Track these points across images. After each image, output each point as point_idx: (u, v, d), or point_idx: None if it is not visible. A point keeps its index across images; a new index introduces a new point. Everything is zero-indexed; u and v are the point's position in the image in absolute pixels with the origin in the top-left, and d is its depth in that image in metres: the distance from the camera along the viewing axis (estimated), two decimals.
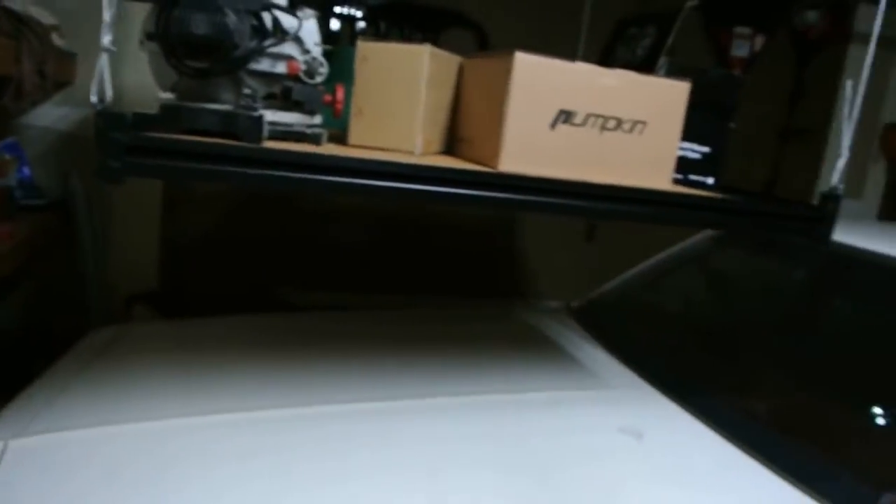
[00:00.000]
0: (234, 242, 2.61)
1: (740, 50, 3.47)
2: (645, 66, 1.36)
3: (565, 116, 1.12)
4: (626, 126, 1.15)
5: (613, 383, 1.68)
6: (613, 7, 1.89)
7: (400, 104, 1.17)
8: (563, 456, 1.33)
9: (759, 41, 3.47)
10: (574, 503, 1.16)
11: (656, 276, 2.25)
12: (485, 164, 1.15)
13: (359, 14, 1.82)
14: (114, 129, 0.95)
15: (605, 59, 1.55)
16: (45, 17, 1.88)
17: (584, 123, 1.13)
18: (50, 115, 2.20)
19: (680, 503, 1.20)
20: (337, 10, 1.76)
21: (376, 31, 2.80)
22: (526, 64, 1.08)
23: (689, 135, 1.36)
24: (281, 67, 1.14)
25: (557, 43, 2.30)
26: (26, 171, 2.03)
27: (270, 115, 1.12)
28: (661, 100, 1.17)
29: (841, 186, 1.29)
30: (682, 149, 1.38)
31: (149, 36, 1.09)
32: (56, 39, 1.92)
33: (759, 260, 2.17)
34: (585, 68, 1.12)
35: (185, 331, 1.97)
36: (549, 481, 1.23)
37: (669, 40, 1.33)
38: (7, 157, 1.79)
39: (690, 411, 1.50)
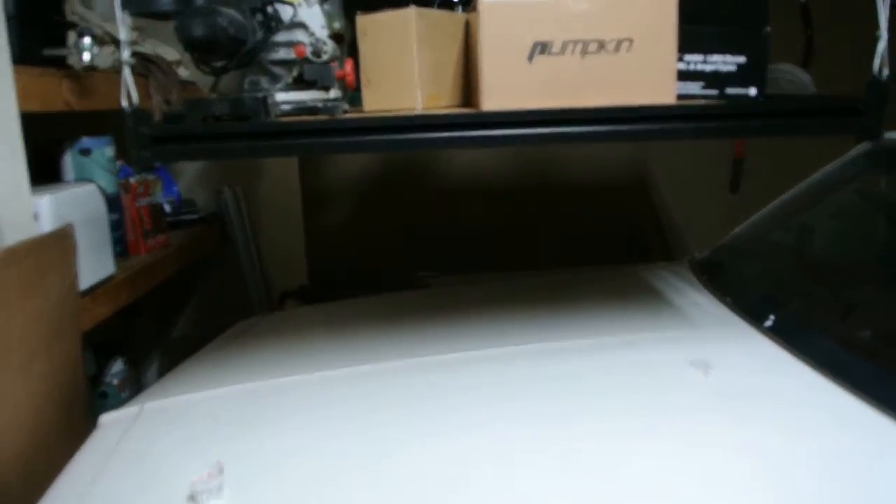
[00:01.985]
0: (371, 232, 2.81)
1: None
2: None
3: (541, 48, 1.15)
4: (610, 46, 1.15)
5: (703, 324, 1.63)
6: None
7: (398, 67, 1.26)
8: (623, 388, 1.34)
9: None
10: (620, 429, 1.18)
11: (781, 217, 2.10)
12: (475, 107, 1.21)
13: None
14: (140, 125, 1.13)
15: None
16: (170, 54, 2.19)
17: (562, 52, 1.15)
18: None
19: (727, 428, 1.16)
20: None
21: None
22: (490, 6, 1.13)
23: (717, 46, 1.32)
24: (292, 53, 1.28)
25: None
26: (174, 189, 2.36)
27: (285, 96, 1.26)
28: (645, 13, 1.16)
29: (886, 71, 1.18)
30: (711, 63, 1.33)
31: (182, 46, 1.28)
32: (181, 71, 2.22)
33: (886, 187, 1.96)
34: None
35: (322, 312, 2.19)
36: (600, 409, 1.25)
37: None
38: (151, 177, 2.10)
39: (781, 345, 1.42)
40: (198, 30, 1.15)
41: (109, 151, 1.94)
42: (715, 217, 2.90)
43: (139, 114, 1.13)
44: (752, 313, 1.58)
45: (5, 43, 1.49)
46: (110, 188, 1.91)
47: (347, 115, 1.18)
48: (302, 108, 1.29)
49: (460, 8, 1.39)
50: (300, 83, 1.35)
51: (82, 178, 1.87)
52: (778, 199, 2.12)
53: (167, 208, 2.26)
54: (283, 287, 2.70)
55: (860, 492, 0.99)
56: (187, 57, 2.31)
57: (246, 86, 1.24)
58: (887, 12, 1.16)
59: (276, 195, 2.65)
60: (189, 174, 2.54)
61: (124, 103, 1.14)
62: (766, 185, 2.77)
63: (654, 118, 1.15)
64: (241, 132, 1.15)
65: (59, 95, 1.67)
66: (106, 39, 1.91)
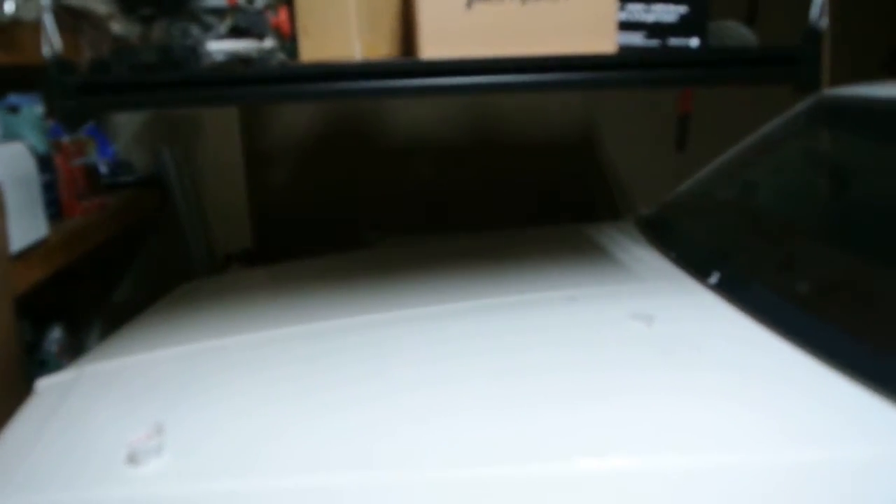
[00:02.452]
0: (316, 192, 2.77)
1: None
2: None
3: None
4: None
5: (647, 277, 1.64)
6: None
7: (335, 15, 1.22)
8: (565, 342, 1.35)
9: None
10: (560, 379, 1.18)
11: (726, 172, 2.13)
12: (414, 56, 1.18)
13: None
14: (64, 73, 1.08)
15: None
16: (100, 8, 2.09)
17: None
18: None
19: (671, 380, 1.17)
20: None
21: None
22: None
23: None
24: (224, 1, 1.23)
25: None
26: (110, 150, 2.29)
27: (216, 45, 1.21)
28: None
29: (824, 21, 1.19)
30: (654, 12, 1.33)
31: None
32: (114, 26, 2.13)
33: (830, 143, 1.99)
34: None
35: (265, 274, 2.16)
36: (544, 364, 1.25)
37: None
38: (84, 137, 2.03)
39: (725, 298, 1.44)
40: None
41: (38, 109, 1.86)
42: (662, 176, 2.92)
43: (63, 62, 1.08)
44: (696, 268, 1.60)
45: None
46: (41, 147, 1.83)
47: (280, 65, 1.15)
48: (236, 58, 1.24)
49: None
50: (235, 32, 1.30)
51: (10, 137, 1.79)
52: (723, 155, 2.14)
53: (103, 170, 2.18)
54: (228, 250, 2.65)
55: (798, 437, 1.01)
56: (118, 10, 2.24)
57: (176, 33, 1.19)
58: None
59: (217, 155, 2.58)
60: (125, 134, 2.46)
61: (46, 50, 1.09)
62: (713, 143, 2.80)
63: (594, 67, 1.14)
64: (170, 81, 1.11)
65: None
66: None
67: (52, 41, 1.09)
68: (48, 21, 1.08)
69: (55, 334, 2.14)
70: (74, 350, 2.24)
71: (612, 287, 1.60)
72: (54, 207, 1.90)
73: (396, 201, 2.80)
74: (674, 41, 1.34)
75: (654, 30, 1.33)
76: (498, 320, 1.46)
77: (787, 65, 1.19)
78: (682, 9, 1.33)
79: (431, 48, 1.13)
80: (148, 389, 1.33)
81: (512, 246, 2.07)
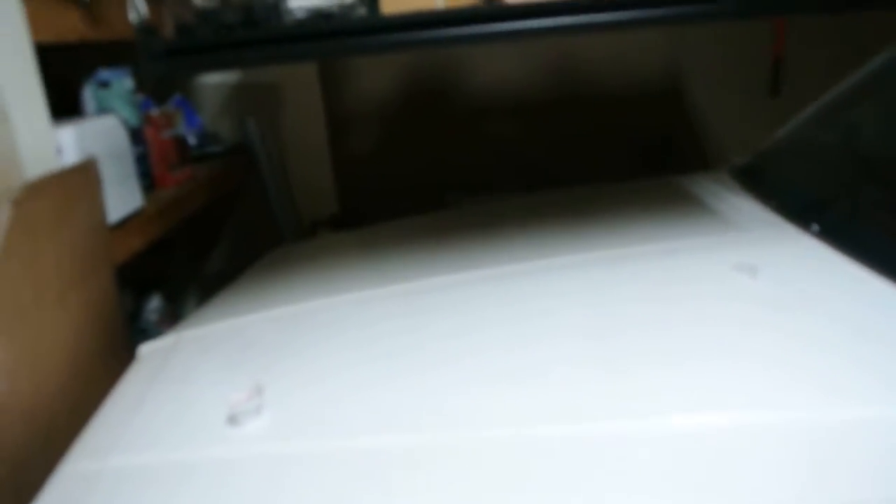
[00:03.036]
0: (398, 156, 2.76)
1: None
2: None
3: None
4: None
5: (747, 227, 1.56)
6: None
7: None
8: (666, 298, 1.29)
9: None
10: (662, 336, 1.14)
11: (826, 115, 2.00)
12: None
13: None
14: (151, 38, 1.09)
15: None
16: None
17: None
18: (217, 72, 2.49)
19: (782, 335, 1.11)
20: None
21: None
22: None
23: None
24: None
25: None
26: (196, 120, 2.33)
27: (297, 2, 1.20)
28: None
29: None
30: None
31: None
32: None
33: None
34: None
35: (351, 238, 2.17)
36: (644, 321, 1.20)
37: None
38: (172, 109, 2.07)
39: (832, 245, 1.35)
40: None
41: (128, 83, 1.90)
42: (753, 123, 2.79)
43: (149, 27, 1.08)
44: (799, 215, 1.51)
45: None
46: (132, 120, 1.88)
47: (359, 18, 1.12)
48: (317, 14, 1.22)
49: None
50: None
51: (103, 111, 1.84)
52: (820, 98, 2.01)
53: (191, 141, 2.23)
54: (314, 216, 2.67)
55: None
56: None
57: None
58: None
59: (300, 123, 2.60)
60: (210, 106, 2.50)
61: (132, 16, 1.09)
62: (807, 89, 2.66)
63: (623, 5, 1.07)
64: (254, 39, 1.10)
65: (72, 25, 1.62)
66: None
67: (138, 8, 1.09)
68: None
69: (154, 303, 2.21)
70: (172, 318, 2.31)
71: (711, 238, 1.53)
72: (147, 179, 1.96)
73: (480, 161, 2.76)
74: None
75: None
76: (593, 276, 1.42)
77: None
78: None
79: None
80: (245, 352, 1.35)
81: (602, 200, 2.00)
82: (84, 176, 1.56)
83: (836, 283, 1.25)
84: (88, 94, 1.85)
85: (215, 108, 2.51)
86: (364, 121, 2.79)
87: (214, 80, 2.50)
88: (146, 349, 1.47)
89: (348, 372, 1.18)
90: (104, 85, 1.85)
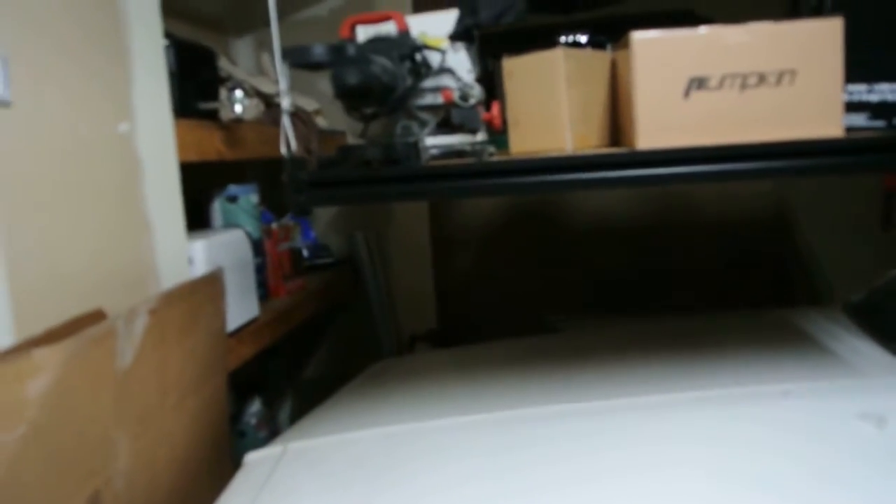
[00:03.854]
0: (499, 276, 2.81)
1: None
2: (818, 11, 1.27)
3: (698, 83, 1.11)
4: (772, 79, 1.10)
5: (868, 371, 1.51)
6: None
7: (546, 107, 1.25)
8: (786, 444, 1.25)
9: None
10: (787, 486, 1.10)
11: None
12: (629, 147, 1.18)
13: (583, 39, 1.90)
14: (298, 170, 1.17)
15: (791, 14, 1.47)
16: (309, 104, 2.28)
17: (720, 86, 1.11)
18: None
19: None
20: (562, 38, 1.85)
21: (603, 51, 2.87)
22: (645, 42, 1.11)
23: (883, 73, 1.25)
24: (440, 98, 1.30)
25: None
26: (311, 234, 2.44)
27: (434, 140, 1.28)
28: (809, 43, 1.10)
29: None
30: (878, 92, 1.26)
31: (334, 95, 1.33)
32: (320, 121, 2.31)
33: None
34: (710, 31, 1.11)
35: (453, 356, 2.19)
36: (762, 470, 1.16)
37: None
38: (292, 223, 2.18)
39: None
40: (352, 78, 1.18)
41: (254, 198, 2.02)
42: (864, 257, 2.72)
43: (297, 160, 1.17)
44: None
45: (168, 98, 1.60)
46: (255, 233, 1.98)
47: (496, 158, 1.18)
48: (450, 152, 1.30)
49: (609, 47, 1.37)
50: (445, 126, 1.37)
51: (229, 224, 1.96)
52: None
53: (304, 253, 2.33)
54: (413, 331, 2.72)
55: None
56: (333, 106, 2.41)
57: (398, 131, 1.26)
58: None
59: (407, 240, 2.69)
60: (323, 219, 2.62)
61: (283, 150, 1.18)
62: None
63: (818, 153, 1.09)
64: (392, 176, 1.17)
65: (212, 146, 1.76)
66: (251, 93, 2.01)
67: (289, 140, 1.18)
68: (286, 122, 1.18)
69: (254, 407, 2.26)
70: (270, 423, 2.36)
71: (829, 382, 1.48)
72: (263, 288, 2.04)
73: (580, 285, 2.78)
74: None
75: (879, 110, 1.26)
76: (704, 418, 1.38)
77: None
78: None
79: (648, 138, 1.13)
80: (354, 471, 1.36)
81: (710, 332, 1.97)
82: (212, 286, 1.65)
83: None
84: (217, 208, 1.98)
85: (327, 221, 2.63)
86: (467, 240, 2.86)
87: None
88: (252, 457, 1.49)
89: (458, 499, 1.17)
90: (232, 199, 1.98)
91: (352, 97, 1.23)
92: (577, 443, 1.34)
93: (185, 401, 1.55)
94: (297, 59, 1.22)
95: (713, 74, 1.11)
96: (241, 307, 1.82)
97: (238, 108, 1.69)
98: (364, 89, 1.20)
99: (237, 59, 2.60)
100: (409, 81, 1.25)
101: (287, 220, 2.21)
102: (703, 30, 1.12)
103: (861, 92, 1.25)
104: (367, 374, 2.09)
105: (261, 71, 2.37)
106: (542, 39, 1.43)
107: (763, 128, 1.11)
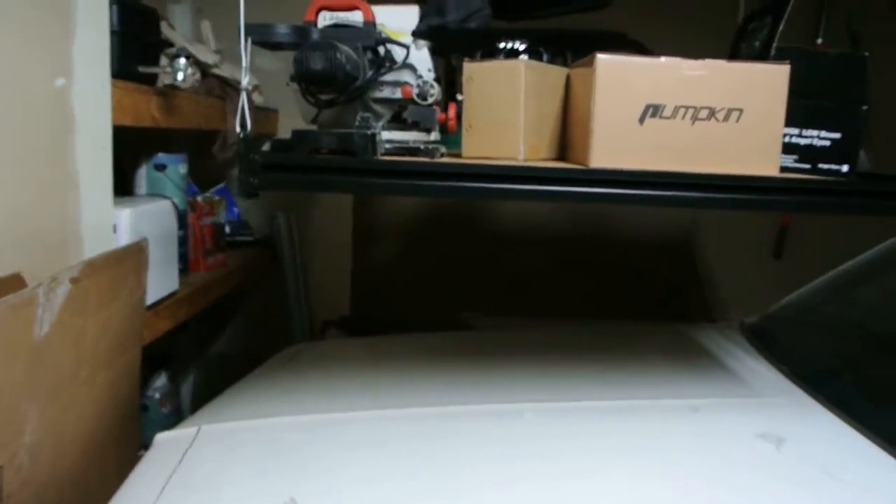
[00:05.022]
0: (417, 270, 2.82)
1: None
2: (761, 58, 1.36)
3: (653, 110, 1.16)
4: (720, 115, 1.17)
5: (765, 392, 1.62)
6: None
7: (503, 116, 1.27)
8: (691, 459, 1.33)
9: None
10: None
11: (838, 288, 2.10)
12: (580, 164, 1.22)
13: (521, 47, 1.92)
14: (252, 151, 1.15)
15: (731, 57, 1.55)
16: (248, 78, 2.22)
17: (673, 116, 1.16)
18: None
19: None
20: (500, 45, 1.88)
21: (540, 62, 2.94)
22: (608, 64, 1.15)
23: (813, 121, 1.33)
24: (398, 93, 1.30)
25: (723, 50, 2.29)
26: (235, 210, 2.39)
27: (388, 135, 1.28)
28: (757, 85, 1.17)
29: None
30: (806, 136, 1.35)
31: (291, 77, 1.31)
32: (256, 97, 2.26)
33: None
34: (670, 62, 1.17)
35: (367, 346, 2.19)
36: (670, 483, 1.23)
37: (780, 26, 1.32)
38: (217, 198, 2.13)
39: (850, 422, 1.41)
40: (317, 63, 1.17)
41: (183, 169, 1.96)
42: (757, 281, 2.91)
43: (252, 140, 1.15)
44: (814, 386, 1.57)
45: (108, 57, 1.53)
46: (181, 205, 1.93)
47: (453, 160, 1.20)
48: (403, 148, 1.30)
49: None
50: (396, 121, 1.37)
51: (155, 193, 1.89)
52: (834, 270, 2.12)
53: (226, 229, 2.28)
54: (325, 316, 2.70)
55: None
56: (270, 83, 2.35)
57: (357, 122, 1.26)
58: None
59: (328, 225, 2.67)
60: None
61: (239, 129, 1.16)
62: (808, 253, 2.80)
63: (757, 189, 1.16)
64: (347, 167, 1.16)
65: (147, 111, 1.70)
66: (189, 61, 1.95)
67: (246, 119, 1.16)
68: (245, 100, 1.15)
69: (159, 382, 2.19)
70: (174, 398, 2.29)
71: (732, 400, 1.58)
72: (183, 262, 1.99)
73: (496, 285, 2.83)
74: (824, 166, 1.36)
75: (806, 153, 1.35)
76: (617, 428, 1.44)
77: None
78: (835, 135, 1.35)
79: (602, 158, 1.17)
80: (273, 460, 1.34)
81: (618, 341, 2.06)
82: (136, 257, 1.59)
83: (854, 461, 1.29)
84: (143, 175, 1.91)
85: (250, 200, 2.57)
86: (389, 231, 2.86)
87: None
88: (163, 437, 1.45)
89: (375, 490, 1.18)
90: (160, 168, 1.91)
91: (314, 82, 1.22)
92: (485, 446, 1.37)
93: (97, 374, 1.49)
94: (260, 37, 1.20)
95: (668, 104, 1.16)
96: (161, 280, 1.77)
97: (180, 77, 1.63)
98: (328, 76, 1.19)
99: (174, 23, 2.51)
100: (370, 73, 1.25)
101: (212, 193, 2.16)
102: (663, 59, 1.17)
103: (793, 135, 1.34)
104: (280, 357, 2.07)
105: (199, 38, 2.29)
106: (482, 42, 1.45)
107: (709, 160, 1.18)
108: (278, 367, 1.94)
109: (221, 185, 2.35)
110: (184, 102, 1.85)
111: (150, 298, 1.71)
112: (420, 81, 1.29)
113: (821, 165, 1.35)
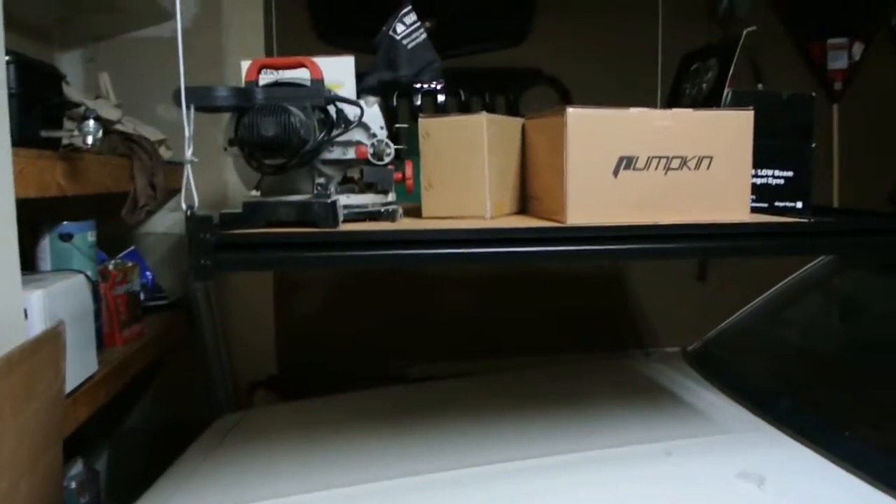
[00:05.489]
0: (346, 321, 2.72)
1: (837, 62, 3.37)
2: (710, 99, 1.36)
3: (626, 162, 1.13)
4: (692, 163, 1.15)
5: (730, 427, 1.61)
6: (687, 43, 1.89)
7: (466, 173, 1.21)
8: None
9: (858, 49, 3.35)
10: None
11: (773, 310, 2.15)
12: (553, 219, 1.17)
13: (439, 86, 1.88)
14: (203, 230, 1.03)
15: (673, 96, 1.55)
16: (154, 134, 2.07)
17: (646, 167, 1.14)
18: (166, 221, 2.40)
19: None
20: (417, 85, 1.83)
21: (459, 101, 2.91)
22: (579, 118, 1.11)
23: (768, 161, 1.34)
24: (350, 153, 1.21)
25: (637, 85, 2.32)
26: (148, 275, 2.21)
27: (345, 199, 1.19)
28: (725, 132, 1.16)
29: None
30: (762, 176, 1.35)
31: (230, 141, 1.19)
32: (164, 152, 2.10)
33: (882, 280, 2.04)
34: (640, 113, 1.14)
35: (301, 412, 2.06)
36: None
37: (731, 70, 1.32)
38: (129, 264, 1.95)
39: (819, 451, 1.41)
40: (269, 129, 1.07)
41: (91, 237, 1.78)
42: (682, 304, 2.98)
43: (201, 218, 1.03)
44: (774, 415, 1.58)
45: (6, 123, 1.36)
46: (93, 276, 1.75)
47: (432, 227, 1.12)
48: (362, 213, 1.21)
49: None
50: (345, 183, 1.29)
51: (61, 266, 1.71)
52: (766, 293, 2.17)
53: (140, 295, 2.09)
54: (251, 377, 2.54)
55: None
56: (178, 136, 2.20)
57: (317, 189, 1.16)
58: None
59: (248, 279, 2.50)
60: (155, 254, 2.38)
61: (185, 205, 1.04)
62: (730, 273, 2.89)
63: (733, 236, 1.15)
64: (311, 242, 1.07)
65: (53, 179, 1.52)
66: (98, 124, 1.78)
67: (193, 194, 1.04)
68: (189, 173, 1.04)
69: (75, 470, 1.99)
70: (92, 485, 2.09)
71: (700, 439, 1.56)
72: (97, 338, 1.80)
73: (427, 330, 2.76)
74: (780, 204, 1.37)
75: (763, 193, 1.36)
76: (595, 480, 1.39)
77: None
78: (788, 173, 1.36)
79: (578, 214, 1.12)
80: None
81: (567, 384, 2.01)
82: (52, 345, 1.42)
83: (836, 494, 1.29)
84: (46, 247, 1.72)
85: (159, 258, 2.39)
86: (313, 281, 2.74)
87: (159, 230, 2.40)
88: None
89: None
90: (65, 238, 1.73)
91: (264, 148, 1.11)
92: None
93: (20, 483, 1.31)
94: (201, 102, 1.09)
95: (641, 155, 1.13)
96: (79, 364, 1.59)
97: (90, 141, 1.47)
98: (281, 142, 1.09)
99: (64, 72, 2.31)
100: (322, 135, 1.16)
101: (123, 259, 1.98)
102: (633, 111, 1.14)
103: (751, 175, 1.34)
104: (213, 431, 1.92)
105: (91, 89, 2.11)
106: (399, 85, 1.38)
107: (683, 208, 1.16)
108: (216, 445, 1.78)
109: (131, 249, 2.17)
110: (90, 166, 1.68)
111: (69, 386, 1.53)
112: (374, 140, 1.21)
113: (777, 203, 1.36)
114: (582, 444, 1.56)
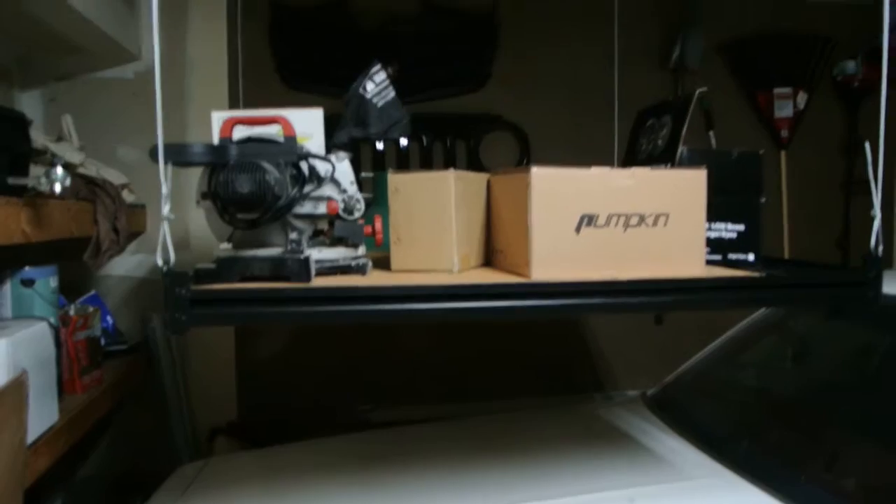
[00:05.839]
0: (307, 364, 2.71)
1: (783, 111, 3.52)
2: (665, 155, 1.42)
3: (588, 220, 1.18)
4: (649, 220, 1.20)
5: (692, 474, 1.65)
6: (643, 95, 1.97)
7: (434, 227, 1.25)
8: None
9: (802, 99, 3.51)
10: None
11: (729, 354, 2.21)
12: (518, 273, 1.22)
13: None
14: (178, 286, 1.05)
15: (630, 153, 1.62)
16: (116, 177, 2.07)
17: (607, 224, 1.19)
18: (126, 264, 2.38)
19: None
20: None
21: (421, 145, 2.97)
22: (543, 177, 1.16)
23: (720, 215, 1.41)
24: (322, 208, 1.24)
25: (593, 129, 2.38)
26: (109, 319, 2.19)
27: (317, 254, 1.21)
28: (680, 190, 1.22)
29: (880, 249, 1.30)
30: (715, 230, 1.41)
31: (203, 195, 1.21)
32: (126, 195, 2.10)
33: (834, 324, 2.11)
34: (600, 173, 1.19)
35: (264, 460, 2.04)
36: None
37: (684, 129, 1.39)
38: (91, 309, 1.94)
39: (776, 496, 1.46)
40: (244, 186, 1.10)
41: (54, 282, 1.77)
42: (639, 347, 3.04)
43: (177, 274, 1.05)
44: (733, 460, 1.62)
45: None
46: (55, 322, 1.73)
47: (407, 283, 1.14)
48: (333, 267, 1.24)
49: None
50: (317, 235, 1.31)
51: (22, 313, 1.70)
52: (720, 338, 2.23)
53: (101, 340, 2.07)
54: (211, 422, 2.51)
55: None
56: (140, 179, 2.19)
57: (290, 246, 1.18)
58: (880, 195, 1.28)
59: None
60: (114, 299, 2.36)
61: (161, 261, 1.06)
62: (686, 316, 2.96)
63: (684, 290, 1.20)
64: (284, 297, 1.09)
65: (17, 227, 1.52)
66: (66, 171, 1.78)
67: (169, 251, 1.06)
68: (167, 230, 1.05)
69: None
70: None
71: (663, 486, 1.60)
72: (57, 386, 1.78)
73: (388, 372, 2.76)
74: (733, 256, 1.43)
75: (717, 245, 1.42)
76: None
77: (855, 288, 1.28)
78: (740, 226, 1.43)
79: (542, 270, 1.17)
80: None
81: (528, 432, 2.04)
82: (15, 395, 1.41)
83: None
84: (6, 293, 1.71)
85: (119, 301, 2.37)
86: (273, 329, 2.73)
87: (118, 272, 2.38)
88: None
89: None
90: (27, 283, 1.72)
91: (239, 204, 1.14)
92: None
93: None
94: (177, 158, 1.11)
95: (602, 213, 1.19)
96: (41, 414, 1.57)
97: (58, 189, 1.47)
98: (255, 198, 1.11)
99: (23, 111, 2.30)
100: (294, 190, 1.19)
101: (84, 303, 1.96)
102: (594, 170, 1.19)
103: (705, 229, 1.40)
104: (173, 481, 1.90)
105: (51, 130, 2.10)
106: None
107: (642, 263, 1.21)
108: (177, 497, 1.76)
109: (92, 293, 2.15)
110: (54, 211, 1.68)
111: (30, 436, 1.51)
112: (345, 196, 1.24)
113: (730, 256, 1.42)
114: (546, 490, 1.59)
